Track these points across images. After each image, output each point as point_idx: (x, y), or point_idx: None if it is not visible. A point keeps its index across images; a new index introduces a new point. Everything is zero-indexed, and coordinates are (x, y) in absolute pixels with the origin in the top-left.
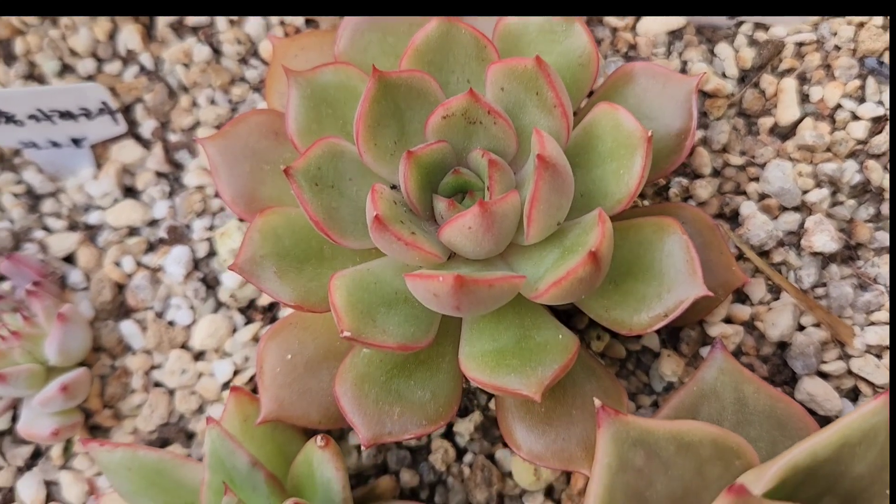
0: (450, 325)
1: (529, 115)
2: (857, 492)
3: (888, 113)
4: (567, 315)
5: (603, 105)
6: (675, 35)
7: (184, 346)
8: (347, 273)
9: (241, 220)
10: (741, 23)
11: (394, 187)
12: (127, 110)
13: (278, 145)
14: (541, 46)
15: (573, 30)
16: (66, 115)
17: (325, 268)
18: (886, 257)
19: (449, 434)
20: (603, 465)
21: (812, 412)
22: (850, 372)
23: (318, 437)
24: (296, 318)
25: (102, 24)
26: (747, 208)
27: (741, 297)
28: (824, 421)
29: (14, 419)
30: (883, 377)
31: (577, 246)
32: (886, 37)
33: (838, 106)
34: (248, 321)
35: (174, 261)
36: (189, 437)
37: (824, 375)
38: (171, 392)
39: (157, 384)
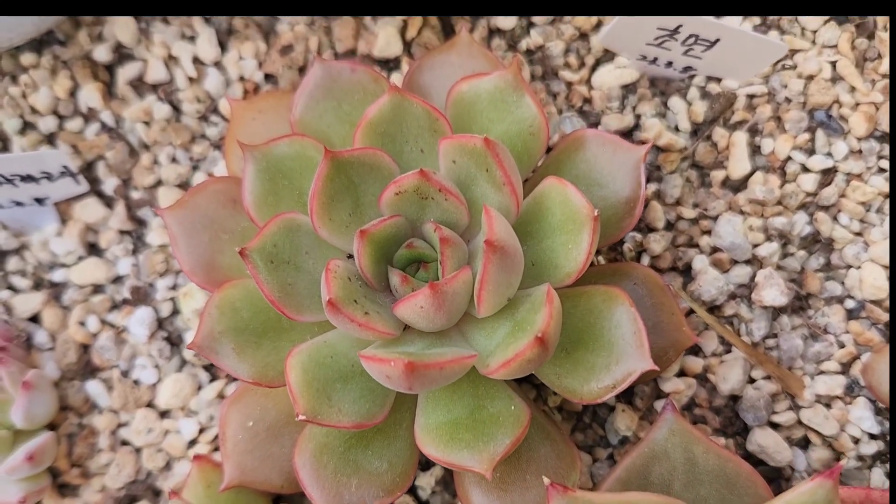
0: (406, 394)
1: (481, 188)
2: None
3: (836, 165)
4: None
5: (552, 179)
6: (629, 88)
7: (149, 405)
8: (304, 348)
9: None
10: (694, 75)
11: (350, 257)
12: (89, 167)
13: (236, 213)
14: (492, 115)
15: (523, 101)
16: (28, 178)
17: (283, 340)
18: (836, 307)
19: (411, 487)
20: None
21: (763, 463)
22: (800, 422)
23: None
24: None
25: (62, 81)
26: (699, 262)
27: (694, 349)
28: (774, 472)
29: None
30: (831, 428)
31: (527, 324)
32: (834, 90)
33: (789, 158)
34: (213, 378)
35: (138, 322)
36: (156, 494)
37: (775, 426)
38: (138, 450)
39: (124, 443)
